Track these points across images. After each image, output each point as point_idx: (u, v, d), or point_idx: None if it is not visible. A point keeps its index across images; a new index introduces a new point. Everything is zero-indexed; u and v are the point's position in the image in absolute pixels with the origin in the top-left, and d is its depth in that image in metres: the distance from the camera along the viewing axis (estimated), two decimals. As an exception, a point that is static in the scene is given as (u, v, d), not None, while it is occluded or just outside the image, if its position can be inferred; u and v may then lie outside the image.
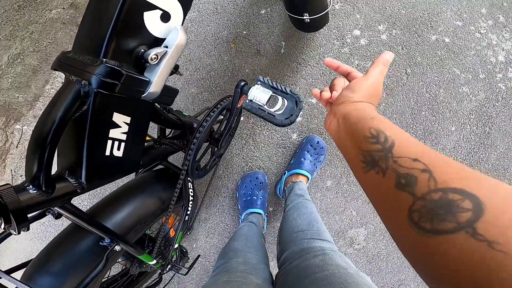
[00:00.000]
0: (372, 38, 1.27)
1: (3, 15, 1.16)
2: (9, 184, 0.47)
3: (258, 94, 0.65)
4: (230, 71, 1.30)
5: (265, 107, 0.65)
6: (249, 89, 0.66)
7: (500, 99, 1.26)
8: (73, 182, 0.55)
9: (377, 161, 0.34)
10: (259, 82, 0.66)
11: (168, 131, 0.94)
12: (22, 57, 1.26)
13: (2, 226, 0.45)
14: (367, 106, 0.48)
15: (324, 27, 1.25)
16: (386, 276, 1.37)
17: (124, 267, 1.05)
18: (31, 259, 0.67)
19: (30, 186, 0.48)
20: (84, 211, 0.75)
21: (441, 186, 0.26)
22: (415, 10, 1.27)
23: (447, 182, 0.27)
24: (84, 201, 1.39)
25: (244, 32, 1.30)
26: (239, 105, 0.71)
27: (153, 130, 1.29)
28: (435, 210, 0.25)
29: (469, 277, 0.22)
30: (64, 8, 1.27)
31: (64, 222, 0.62)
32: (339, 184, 1.29)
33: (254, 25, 1.29)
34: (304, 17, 1.07)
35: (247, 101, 0.66)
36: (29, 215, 0.48)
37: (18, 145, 1.38)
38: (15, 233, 0.47)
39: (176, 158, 1.31)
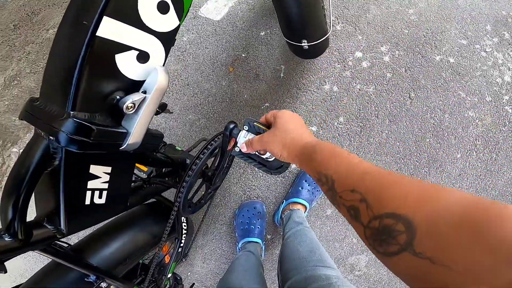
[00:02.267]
0: (374, 60, 1.23)
1: (-1, 35, 1.15)
2: None
3: None
4: (228, 97, 1.27)
5: (256, 154, 0.62)
6: (239, 132, 0.63)
7: (507, 123, 1.21)
8: (52, 229, 0.53)
9: (332, 199, 0.37)
10: (246, 127, 0.62)
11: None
12: (18, 79, 1.25)
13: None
14: (300, 148, 0.49)
15: (325, 50, 1.22)
16: (388, 303, 1.32)
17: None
18: (19, 285, 0.65)
19: (6, 234, 0.46)
20: (74, 242, 0.74)
21: (377, 214, 0.28)
22: (418, 29, 1.24)
23: (380, 208, 0.28)
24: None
25: (243, 55, 1.27)
26: (229, 148, 0.67)
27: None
28: (379, 236, 0.27)
29: None
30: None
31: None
32: (339, 212, 1.25)
33: (254, 48, 1.27)
34: (303, 44, 1.04)
35: (236, 148, 0.62)
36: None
37: (14, 169, 1.37)
38: None
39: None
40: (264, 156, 0.61)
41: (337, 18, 1.25)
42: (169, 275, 1.06)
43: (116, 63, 0.45)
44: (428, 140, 1.21)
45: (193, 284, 1.19)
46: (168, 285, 1.15)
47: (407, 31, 1.24)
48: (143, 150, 0.57)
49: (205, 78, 1.28)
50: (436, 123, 1.21)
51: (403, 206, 0.26)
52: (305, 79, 1.24)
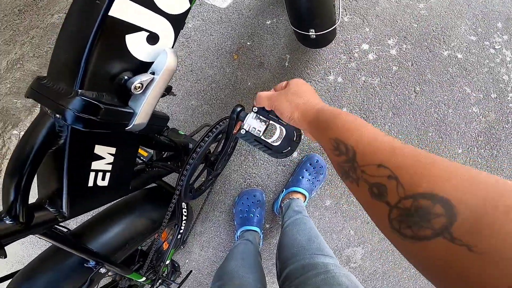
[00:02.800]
0: (381, 53, 1.22)
1: (3, 19, 1.13)
2: None
3: (254, 123, 0.62)
4: (232, 84, 1.26)
5: (262, 137, 0.62)
6: (246, 116, 0.63)
7: (510, 120, 1.21)
8: (53, 212, 0.52)
9: (348, 171, 0.33)
10: (255, 109, 0.62)
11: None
12: (21, 62, 1.24)
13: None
14: (315, 111, 0.45)
15: (331, 40, 1.20)
16: (382, 295, 1.34)
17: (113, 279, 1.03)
18: (17, 271, 0.66)
19: (7, 216, 0.45)
20: (74, 227, 0.74)
21: (410, 193, 0.25)
22: (428, 24, 1.22)
23: (414, 187, 0.25)
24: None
25: (248, 43, 1.26)
26: (235, 132, 0.67)
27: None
28: (410, 218, 0.24)
29: (458, 281, 0.21)
30: (66, 13, 1.25)
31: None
32: (338, 204, 1.25)
33: (259, 36, 1.25)
34: (310, 33, 1.02)
35: (243, 131, 0.62)
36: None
37: (15, 150, 1.37)
38: None
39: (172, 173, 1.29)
40: (269, 140, 0.61)
41: (345, 9, 1.24)
42: (167, 262, 1.07)
43: (126, 44, 0.45)
44: (430, 134, 1.21)
45: (191, 271, 1.20)
46: (166, 272, 1.16)
47: (416, 25, 1.22)
48: (148, 132, 0.57)
49: (209, 65, 1.27)
50: (439, 118, 1.21)
51: (444, 187, 0.24)
52: (310, 69, 1.23)
